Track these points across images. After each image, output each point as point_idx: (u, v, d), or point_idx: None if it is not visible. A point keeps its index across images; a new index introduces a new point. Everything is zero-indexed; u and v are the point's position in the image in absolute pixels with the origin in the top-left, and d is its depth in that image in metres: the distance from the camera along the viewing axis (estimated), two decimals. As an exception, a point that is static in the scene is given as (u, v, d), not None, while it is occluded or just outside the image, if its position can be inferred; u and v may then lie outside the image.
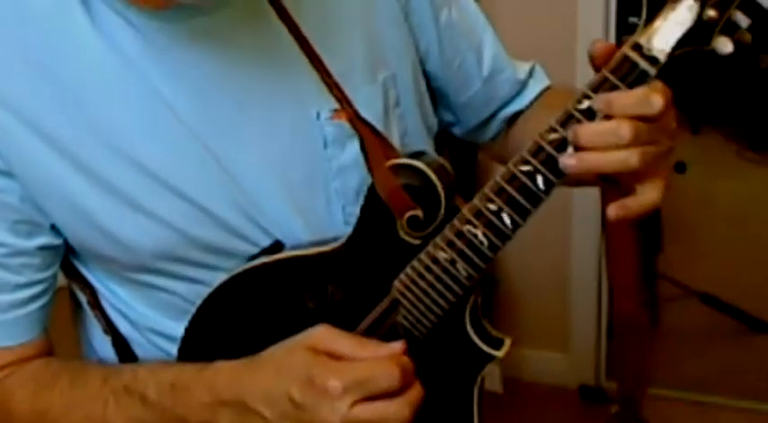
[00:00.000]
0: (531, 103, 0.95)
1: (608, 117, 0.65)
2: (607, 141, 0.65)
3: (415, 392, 0.69)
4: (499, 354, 0.78)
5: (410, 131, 0.85)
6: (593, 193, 2.25)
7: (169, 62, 0.73)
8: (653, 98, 0.64)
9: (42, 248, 0.79)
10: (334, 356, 0.69)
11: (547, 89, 0.96)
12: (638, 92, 0.65)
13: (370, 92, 0.80)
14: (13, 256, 0.78)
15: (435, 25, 0.87)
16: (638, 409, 2.26)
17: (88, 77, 0.72)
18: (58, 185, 0.74)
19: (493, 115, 0.96)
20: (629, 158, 0.65)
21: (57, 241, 0.79)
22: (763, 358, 2.57)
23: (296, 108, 0.78)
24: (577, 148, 0.66)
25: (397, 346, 0.71)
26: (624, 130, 0.64)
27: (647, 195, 0.69)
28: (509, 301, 2.53)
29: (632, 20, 0.68)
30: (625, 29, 2.16)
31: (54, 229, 0.78)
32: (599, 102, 0.65)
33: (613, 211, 0.69)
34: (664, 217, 2.89)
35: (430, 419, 0.72)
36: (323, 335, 0.71)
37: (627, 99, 0.65)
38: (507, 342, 0.78)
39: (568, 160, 0.66)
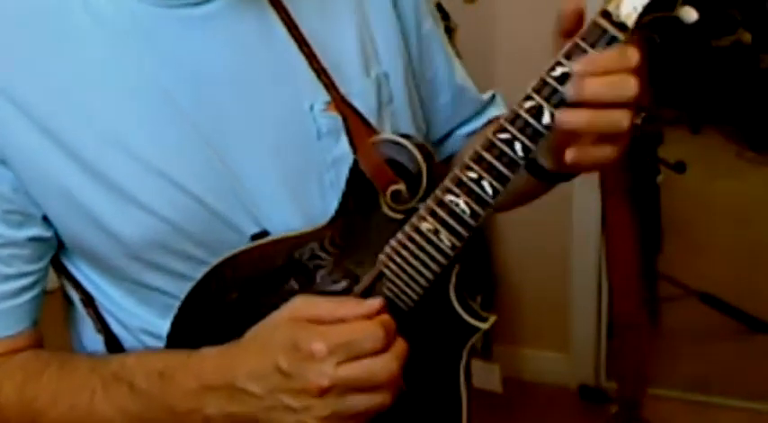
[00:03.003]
0: (486, 125, 0.97)
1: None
2: (614, 94, 0.66)
3: (400, 347, 0.70)
4: (484, 326, 0.78)
5: (402, 130, 0.86)
6: (594, 192, 2.25)
7: (165, 50, 0.74)
8: (629, 52, 0.66)
9: (33, 240, 0.79)
10: (316, 322, 0.70)
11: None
12: (614, 48, 0.67)
13: (363, 86, 0.82)
14: (2, 247, 0.78)
15: (417, 34, 0.89)
16: (638, 409, 2.26)
17: (84, 66, 0.73)
18: (51, 175, 0.74)
19: (450, 133, 0.98)
20: (623, 120, 0.66)
21: (47, 233, 0.79)
22: (763, 358, 2.58)
23: (290, 99, 0.78)
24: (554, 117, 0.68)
25: (375, 302, 0.71)
26: (631, 82, 0.66)
27: (607, 151, 0.69)
28: (509, 301, 2.53)
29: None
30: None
31: (45, 220, 0.78)
32: (580, 63, 0.66)
33: (570, 154, 0.69)
34: (664, 217, 2.90)
35: (417, 393, 0.73)
36: (301, 303, 0.72)
37: (606, 55, 0.66)
38: (492, 316, 0.79)
39: (564, 116, 0.67)
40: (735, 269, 3.03)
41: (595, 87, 0.66)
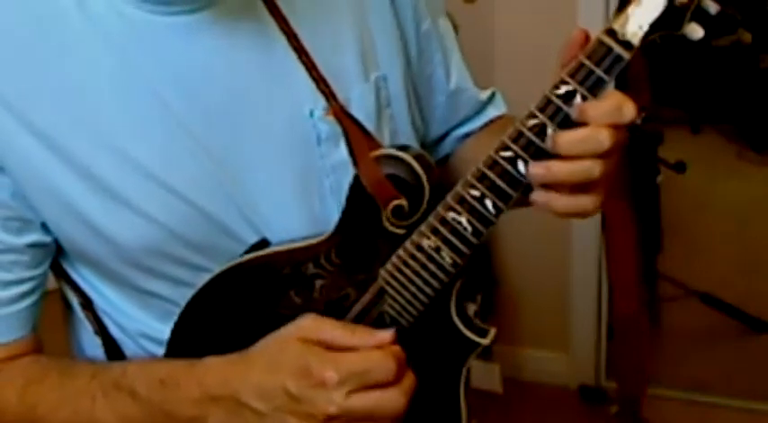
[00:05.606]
0: (483, 127, 0.97)
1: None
2: (586, 149, 0.66)
3: (409, 382, 0.70)
4: (485, 341, 0.78)
5: (400, 132, 0.86)
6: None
7: (160, 57, 0.73)
8: (625, 107, 0.66)
9: (32, 246, 0.79)
10: (326, 346, 0.70)
11: (501, 117, 0.98)
12: (611, 100, 0.66)
13: (362, 90, 0.81)
14: (2, 253, 0.78)
15: (416, 33, 0.88)
16: (638, 409, 2.26)
17: (79, 71, 0.73)
18: (47, 180, 0.74)
19: (447, 134, 0.97)
20: (593, 168, 0.66)
21: (47, 239, 0.79)
22: (763, 358, 2.58)
23: (290, 105, 0.78)
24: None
25: (387, 334, 0.71)
26: (604, 135, 0.65)
27: (585, 202, 0.69)
28: (509, 301, 2.53)
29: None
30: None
31: (44, 226, 0.78)
32: (574, 111, 0.66)
33: (539, 197, 0.69)
34: (664, 217, 2.90)
35: (417, 409, 0.73)
36: (312, 324, 0.71)
37: (601, 107, 0.66)
38: (492, 331, 0.79)
39: (534, 169, 0.67)
40: (735, 269, 3.03)
41: (565, 142, 0.66)
